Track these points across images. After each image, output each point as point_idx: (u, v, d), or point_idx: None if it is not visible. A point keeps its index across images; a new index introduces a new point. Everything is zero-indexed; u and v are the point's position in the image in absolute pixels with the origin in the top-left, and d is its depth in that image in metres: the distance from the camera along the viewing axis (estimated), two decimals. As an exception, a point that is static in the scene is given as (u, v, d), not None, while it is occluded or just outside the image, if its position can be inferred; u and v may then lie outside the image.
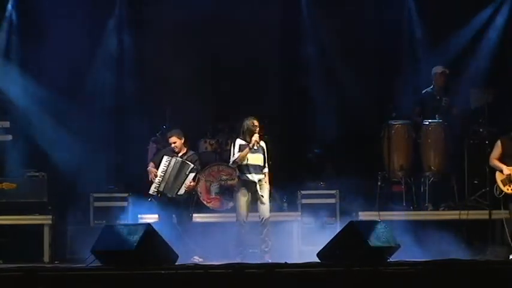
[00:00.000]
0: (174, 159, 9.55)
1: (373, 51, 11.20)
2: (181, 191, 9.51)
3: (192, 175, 9.52)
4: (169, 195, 9.50)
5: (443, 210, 10.03)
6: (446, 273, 6.96)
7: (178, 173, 9.51)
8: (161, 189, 9.52)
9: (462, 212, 9.73)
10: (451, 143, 10.20)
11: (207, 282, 6.93)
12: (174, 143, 9.57)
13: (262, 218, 9.05)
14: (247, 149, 9.00)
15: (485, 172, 9.63)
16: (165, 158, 9.59)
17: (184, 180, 9.49)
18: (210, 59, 11.54)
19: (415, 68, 11.23)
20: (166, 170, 9.53)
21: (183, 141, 9.63)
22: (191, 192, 9.64)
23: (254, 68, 11.34)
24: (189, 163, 9.56)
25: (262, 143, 9.21)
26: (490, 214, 9.54)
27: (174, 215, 9.52)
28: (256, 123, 9.13)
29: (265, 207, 9.07)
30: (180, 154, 9.61)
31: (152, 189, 9.58)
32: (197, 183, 9.75)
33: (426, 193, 10.04)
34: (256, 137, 9.02)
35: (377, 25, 11.12)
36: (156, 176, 9.54)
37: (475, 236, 9.69)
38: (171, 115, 10.84)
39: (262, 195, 9.04)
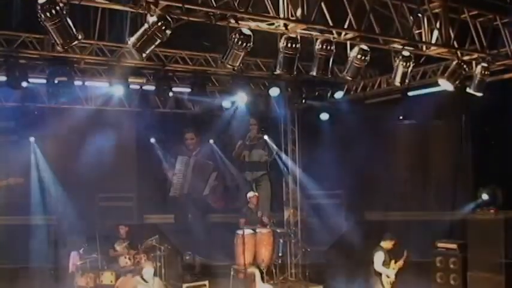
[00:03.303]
0: (192, 159, 9.37)
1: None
2: (206, 191, 9.37)
3: (214, 174, 9.39)
4: (195, 197, 9.35)
5: (450, 210, 9.99)
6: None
7: (200, 173, 9.35)
8: (185, 191, 9.32)
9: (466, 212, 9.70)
10: (456, 143, 10.17)
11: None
12: (192, 139, 9.40)
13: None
14: (240, 144, 8.97)
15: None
16: (180, 158, 9.40)
17: (208, 180, 9.34)
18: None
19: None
20: (185, 170, 9.35)
21: (197, 139, 9.50)
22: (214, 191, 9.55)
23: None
24: (209, 162, 9.41)
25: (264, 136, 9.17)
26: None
27: (189, 215, 9.47)
28: (252, 120, 9.11)
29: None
30: (194, 152, 9.46)
31: (173, 192, 9.39)
32: (220, 182, 9.65)
33: (432, 193, 10.01)
34: (251, 132, 8.98)
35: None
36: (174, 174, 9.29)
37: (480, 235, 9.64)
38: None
39: (253, 191, 8.94)
